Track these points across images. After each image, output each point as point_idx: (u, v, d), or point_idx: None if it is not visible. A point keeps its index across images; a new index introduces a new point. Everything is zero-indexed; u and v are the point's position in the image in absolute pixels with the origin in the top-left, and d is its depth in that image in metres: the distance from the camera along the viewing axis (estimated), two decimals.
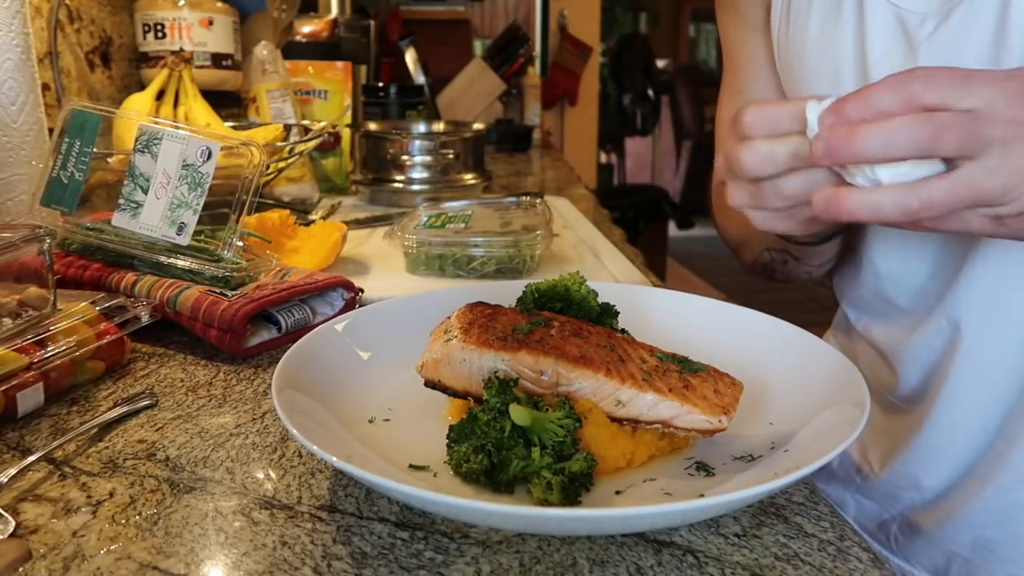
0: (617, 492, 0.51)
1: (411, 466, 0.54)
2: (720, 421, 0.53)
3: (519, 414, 0.51)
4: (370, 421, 0.60)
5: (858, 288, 0.81)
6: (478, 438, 0.51)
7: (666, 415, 0.53)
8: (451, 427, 0.53)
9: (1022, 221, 0.48)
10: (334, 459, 0.45)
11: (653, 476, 0.53)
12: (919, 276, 0.73)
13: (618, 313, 0.64)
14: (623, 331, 0.63)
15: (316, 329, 0.66)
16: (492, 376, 0.54)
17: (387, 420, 0.60)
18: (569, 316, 0.61)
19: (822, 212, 0.49)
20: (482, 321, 0.58)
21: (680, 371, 0.56)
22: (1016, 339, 0.67)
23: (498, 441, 0.51)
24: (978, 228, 0.49)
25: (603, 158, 5.61)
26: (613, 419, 0.54)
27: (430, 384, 0.59)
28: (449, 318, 0.61)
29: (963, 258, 0.68)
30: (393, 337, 0.67)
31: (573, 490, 0.49)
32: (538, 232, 0.99)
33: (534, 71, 3.29)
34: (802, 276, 0.86)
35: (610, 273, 1.04)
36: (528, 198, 1.18)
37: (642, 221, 4.66)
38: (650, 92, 6.10)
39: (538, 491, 0.49)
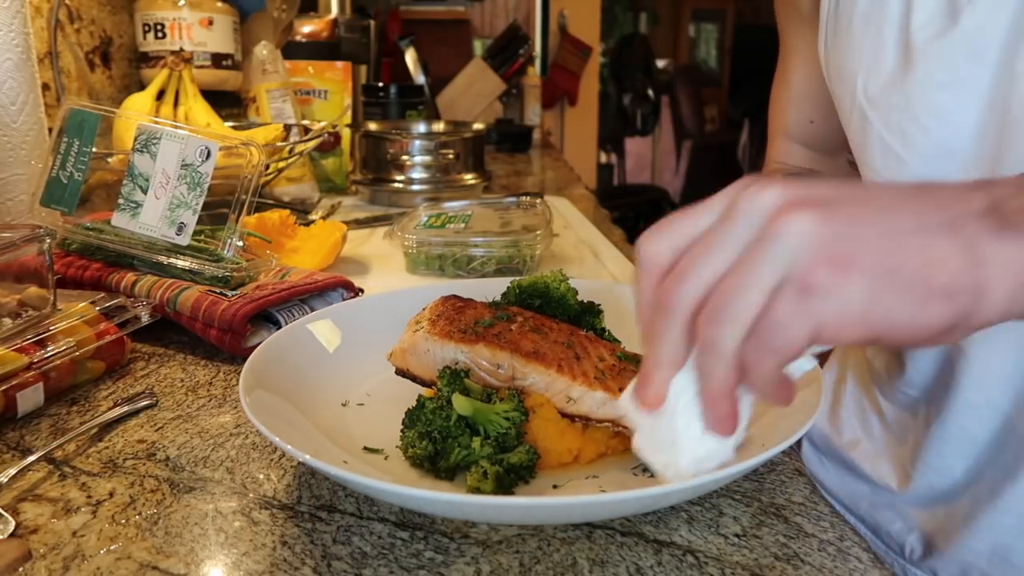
0: (555, 486, 0.52)
1: (365, 448, 0.55)
2: None
3: (460, 403, 0.52)
4: (344, 404, 0.61)
5: None
6: (423, 424, 0.53)
7: (614, 414, 0.53)
8: (406, 412, 0.54)
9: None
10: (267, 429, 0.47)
11: (597, 473, 0.54)
12: None
13: (601, 311, 0.65)
14: (604, 330, 0.63)
15: (288, 326, 0.67)
16: (445, 366, 0.55)
17: (361, 404, 0.62)
18: (545, 313, 0.62)
19: None
20: (450, 314, 0.59)
21: (636, 371, 0.56)
22: None
23: (444, 429, 0.52)
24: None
25: (603, 158, 5.60)
26: (566, 415, 0.54)
27: (400, 372, 0.60)
28: (424, 309, 0.62)
29: None
30: (380, 328, 0.67)
31: (508, 481, 0.50)
32: (538, 232, 0.99)
33: (534, 71, 3.29)
34: None
35: (610, 273, 1.04)
36: (528, 198, 1.18)
37: (642, 221, 4.66)
38: (650, 92, 6.09)
39: (472, 479, 0.50)
